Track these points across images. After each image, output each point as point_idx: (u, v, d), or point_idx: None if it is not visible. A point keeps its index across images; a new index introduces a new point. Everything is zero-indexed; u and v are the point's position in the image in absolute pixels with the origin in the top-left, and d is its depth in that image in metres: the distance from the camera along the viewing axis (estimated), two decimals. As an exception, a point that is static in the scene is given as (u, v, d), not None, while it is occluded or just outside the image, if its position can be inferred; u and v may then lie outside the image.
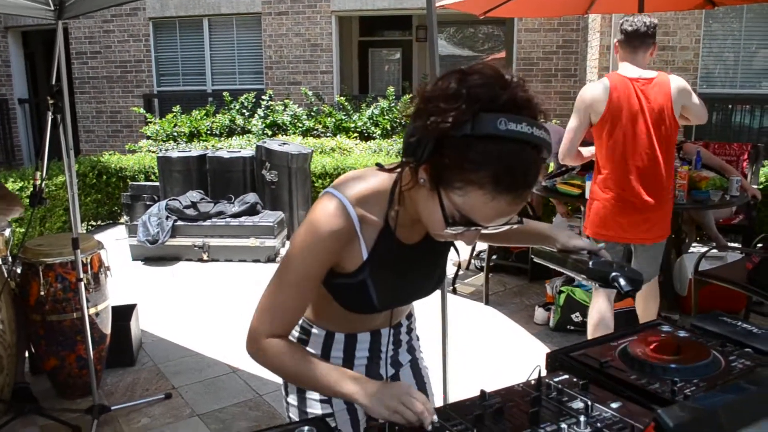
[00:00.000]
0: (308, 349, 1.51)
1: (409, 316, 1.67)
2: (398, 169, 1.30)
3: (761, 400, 0.79)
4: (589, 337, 3.36)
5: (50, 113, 2.81)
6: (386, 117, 8.66)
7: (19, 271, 3.32)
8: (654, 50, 3.25)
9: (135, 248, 6.06)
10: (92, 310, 3.31)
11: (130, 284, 5.28)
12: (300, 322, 1.52)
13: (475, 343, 4.07)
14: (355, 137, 8.58)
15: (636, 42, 3.16)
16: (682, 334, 1.71)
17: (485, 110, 1.05)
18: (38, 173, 3.00)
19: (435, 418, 1.19)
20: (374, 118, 8.69)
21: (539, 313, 4.40)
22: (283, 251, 6.11)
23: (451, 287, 5.14)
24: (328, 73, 9.76)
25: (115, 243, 6.53)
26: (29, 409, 3.19)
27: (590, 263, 1.48)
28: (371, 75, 12.26)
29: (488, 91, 1.07)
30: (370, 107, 8.88)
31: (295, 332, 1.54)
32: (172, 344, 4.15)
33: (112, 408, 3.24)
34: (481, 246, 5.25)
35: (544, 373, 1.53)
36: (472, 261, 5.68)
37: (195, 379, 3.67)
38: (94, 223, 7.39)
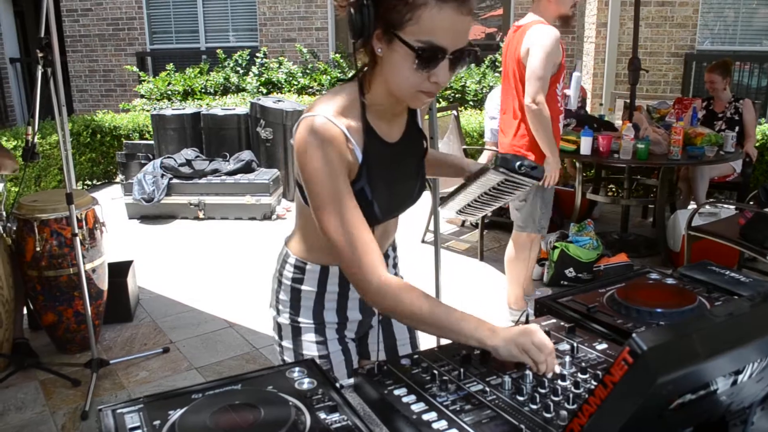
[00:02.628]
0: (304, 287, 1.54)
1: (394, 248, 1.72)
2: (359, 74, 1.37)
3: (737, 329, 0.81)
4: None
5: (40, 67, 2.78)
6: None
7: (14, 228, 3.33)
8: None
9: (131, 207, 6.05)
10: (88, 266, 3.33)
11: (127, 242, 5.30)
12: (293, 261, 1.55)
13: (469, 297, 4.12)
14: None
15: None
16: (669, 281, 1.73)
17: None
18: (30, 128, 2.98)
19: (557, 369, 1.21)
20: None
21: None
22: (278, 209, 6.11)
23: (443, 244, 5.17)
24: (323, 30, 9.62)
25: (111, 202, 6.53)
26: (29, 363, 3.24)
27: (496, 157, 1.58)
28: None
29: None
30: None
31: (289, 273, 1.56)
32: (170, 300, 4.18)
33: (111, 362, 3.29)
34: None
35: (532, 318, 1.56)
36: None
37: (192, 333, 3.71)
38: (89, 183, 7.37)
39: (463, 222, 5.69)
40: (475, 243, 5.07)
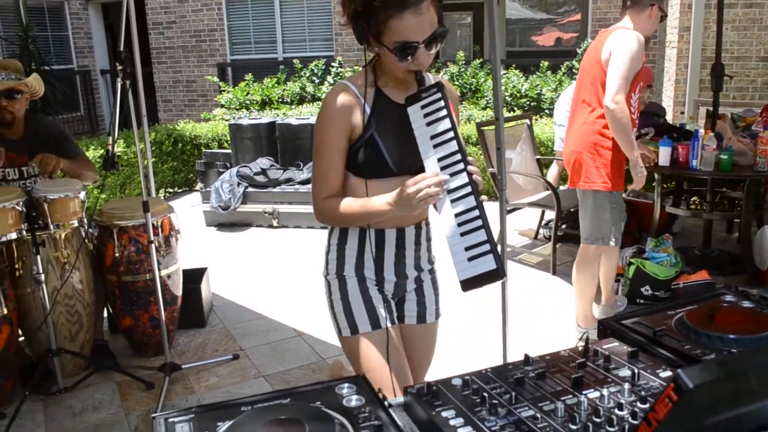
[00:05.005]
0: (347, 247, 1.87)
1: (427, 223, 1.96)
2: (372, 62, 1.77)
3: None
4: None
5: (119, 80, 2.90)
6: (456, 82, 8.53)
7: (96, 234, 3.49)
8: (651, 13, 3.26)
9: (208, 214, 6.25)
10: (164, 272, 3.45)
11: (203, 249, 5.47)
12: (337, 228, 1.89)
13: (538, 312, 4.02)
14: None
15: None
16: (746, 304, 1.62)
17: None
18: (110, 138, 3.12)
19: (441, 176, 1.59)
20: (443, 85, 8.57)
21: (607, 284, 4.28)
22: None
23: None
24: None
25: (190, 209, 6.77)
26: (107, 364, 3.39)
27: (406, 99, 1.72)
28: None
29: None
30: (439, 72, 8.76)
31: (335, 236, 1.89)
32: (242, 307, 4.28)
33: (183, 366, 3.39)
34: (550, 215, 5.13)
35: (594, 339, 1.49)
36: (541, 230, 5.57)
37: (262, 341, 3.79)
38: (171, 190, 7.66)
39: (536, 234, 5.56)
40: (547, 256, 4.94)
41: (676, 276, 4.01)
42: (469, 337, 3.71)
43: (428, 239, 1.99)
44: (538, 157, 5.41)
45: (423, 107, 1.65)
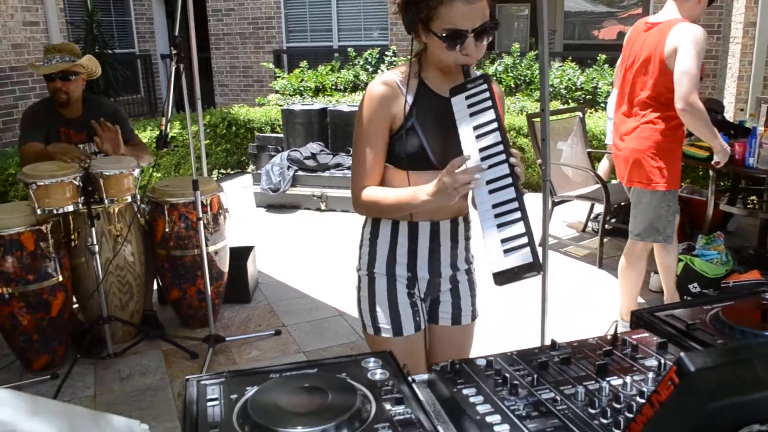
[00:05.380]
0: (379, 241, 1.85)
1: (466, 220, 1.89)
2: (419, 55, 1.74)
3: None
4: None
5: (173, 63, 2.99)
6: (510, 74, 8.43)
7: (148, 209, 3.62)
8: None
9: (258, 195, 6.38)
10: (211, 248, 3.55)
11: (252, 229, 5.60)
12: (371, 219, 1.87)
13: (582, 305, 3.97)
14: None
15: None
16: (787, 302, 1.59)
17: None
18: (164, 119, 3.22)
19: (477, 163, 1.56)
20: (498, 76, 8.49)
21: (654, 280, 4.20)
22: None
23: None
24: (453, 29, 9.60)
25: (242, 190, 6.92)
26: (155, 334, 3.52)
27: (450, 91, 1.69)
28: (498, 31, 11.94)
29: None
30: (494, 64, 8.68)
31: (368, 230, 1.88)
32: (286, 286, 4.37)
33: (227, 339, 3.50)
34: (599, 208, 5.04)
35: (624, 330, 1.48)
36: (589, 223, 5.49)
37: (304, 319, 3.86)
38: (224, 171, 7.84)
39: (584, 227, 5.48)
40: (594, 250, 4.87)
41: (727, 275, 3.90)
42: (507, 330, 3.71)
43: (467, 237, 1.91)
44: (589, 150, 5.32)
45: (467, 98, 1.61)
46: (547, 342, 2.73)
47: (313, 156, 6.43)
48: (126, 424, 1.26)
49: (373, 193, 1.73)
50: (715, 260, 3.90)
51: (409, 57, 1.74)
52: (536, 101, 7.90)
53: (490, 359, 1.30)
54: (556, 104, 7.55)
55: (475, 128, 1.59)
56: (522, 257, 1.51)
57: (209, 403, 1.17)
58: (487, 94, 1.60)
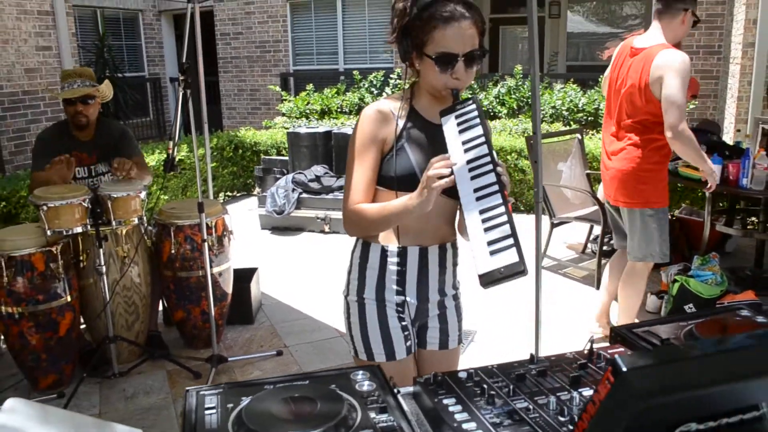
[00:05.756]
0: (369, 265, 1.89)
1: (454, 246, 1.94)
2: (412, 85, 1.86)
3: (747, 362, 0.82)
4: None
5: (181, 89, 3.12)
6: (513, 96, 8.56)
7: (154, 231, 3.73)
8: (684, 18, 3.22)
9: (263, 218, 6.49)
10: (215, 270, 3.64)
11: (256, 250, 5.69)
12: (360, 243, 1.92)
13: (579, 325, 4.03)
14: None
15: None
16: (761, 320, 1.65)
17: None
18: (171, 143, 3.34)
19: (451, 161, 1.63)
20: (501, 97, 8.63)
21: (651, 301, 4.26)
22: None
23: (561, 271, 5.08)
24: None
25: (247, 213, 7.03)
26: (159, 354, 3.60)
27: (440, 112, 1.78)
28: (501, 53, 12.10)
29: None
30: (497, 86, 8.81)
31: (357, 254, 1.92)
32: (289, 307, 4.45)
33: (230, 359, 3.58)
34: (598, 230, 5.11)
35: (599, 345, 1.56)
36: (589, 245, 5.56)
37: (305, 339, 3.94)
38: (230, 194, 7.96)
39: (584, 249, 5.55)
40: (593, 271, 4.93)
41: (722, 295, 3.96)
42: (502, 348, 3.77)
43: (454, 264, 1.97)
44: (588, 171, 5.40)
45: (457, 117, 1.71)
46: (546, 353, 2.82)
47: (317, 178, 6.55)
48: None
49: (361, 207, 1.79)
50: (710, 281, 3.96)
51: (403, 85, 1.87)
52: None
53: (470, 372, 1.38)
54: (557, 126, 7.65)
55: (464, 143, 1.67)
56: (507, 258, 1.53)
57: (207, 412, 1.25)
58: (475, 113, 1.69)
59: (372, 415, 1.22)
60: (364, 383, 1.35)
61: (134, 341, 3.52)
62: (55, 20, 7.63)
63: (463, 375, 1.38)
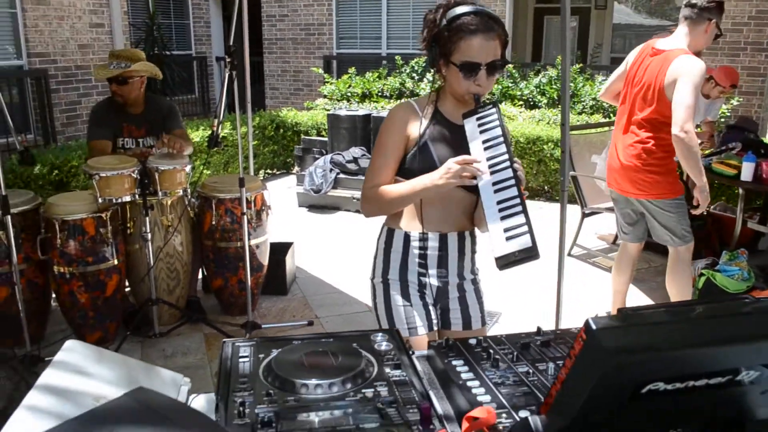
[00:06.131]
0: (393, 250, 2.05)
1: (472, 235, 2.09)
2: (438, 89, 2.04)
3: (717, 330, 0.92)
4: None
5: (227, 70, 3.28)
6: (554, 86, 8.56)
7: (197, 203, 3.93)
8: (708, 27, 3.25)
9: (301, 196, 6.68)
10: (253, 242, 3.83)
11: (294, 226, 5.88)
12: (385, 229, 2.07)
13: (601, 312, 4.11)
14: (521, 105, 8.59)
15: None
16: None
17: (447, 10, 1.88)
18: (216, 121, 3.52)
19: (477, 164, 1.80)
20: (541, 87, 8.63)
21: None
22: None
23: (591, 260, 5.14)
24: (500, 41, 9.76)
25: (286, 190, 7.23)
26: (197, 318, 3.81)
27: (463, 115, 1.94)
28: (545, 43, 12.04)
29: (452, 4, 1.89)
30: (538, 75, 8.81)
31: (382, 239, 2.07)
32: (321, 281, 4.63)
33: (263, 326, 3.77)
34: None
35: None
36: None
37: (336, 312, 4.11)
38: (270, 171, 8.17)
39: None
40: (622, 262, 4.98)
41: (747, 291, 3.99)
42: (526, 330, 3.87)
43: (473, 251, 2.11)
44: (623, 164, 5.42)
45: (478, 119, 1.87)
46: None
47: (355, 160, 6.69)
48: (172, 377, 1.51)
49: (381, 188, 1.95)
50: (736, 276, 3.99)
51: (432, 88, 2.03)
52: (579, 114, 8.00)
53: (479, 339, 1.51)
54: (597, 117, 7.65)
55: (484, 142, 1.84)
56: (522, 243, 1.70)
57: (241, 360, 1.41)
58: (495, 116, 1.86)
59: (387, 370, 1.36)
60: (382, 343, 1.49)
61: (174, 305, 3.74)
62: (109, -2, 7.91)
63: (473, 341, 1.51)
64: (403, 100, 2.05)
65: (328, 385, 1.27)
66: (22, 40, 7.31)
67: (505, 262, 1.72)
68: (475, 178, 1.79)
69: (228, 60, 3.27)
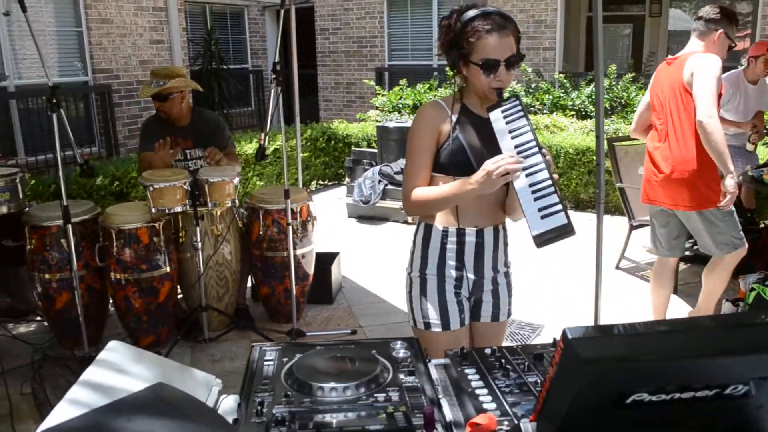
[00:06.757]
0: (431, 245, 2.13)
1: (504, 228, 2.20)
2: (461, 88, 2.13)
3: (699, 344, 0.97)
4: None
5: (273, 86, 3.43)
6: (606, 96, 8.46)
7: (245, 214, 4.09)
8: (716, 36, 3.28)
9: (350, 207, 6.81)
10: (298, 252, 3.95)
11: (342, 237, 6.01)
12: (423, 225, 2.16)
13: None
14: (572, 115, 8.52)
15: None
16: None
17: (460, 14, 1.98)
18: (263, 134, 3.66)
19: (517, 158, 1.87)
20: (593, 97, 8.54)
21: (726, 308, 4.20)
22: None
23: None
24: (551, 50, 9.73)
25: (336, 201, 7.37)
26: (245, 324, 3.96)
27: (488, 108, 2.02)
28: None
29: (464, 9, 1.99)
30: (590, 85, 8.73)
31: (420, 234, 2.17)
32: (367, 291, 4.73)
33: (308, 333, 3.89)
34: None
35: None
36: (671, 249, 5.49)
37: (379, 321, 4.19)
38: (321, 182, 8.34)
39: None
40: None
41: (800, 307, 3.87)
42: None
43: (506, 244, 2.21)
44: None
45: (503, 111, 1.97)
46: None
47: (403, 171, 6.77)
48: (204, 377, 1.62)
49: (422, 190, 2.04)
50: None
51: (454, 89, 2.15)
52: (630, 123, 7.88)
53: (494, 349, 1.57)
54: (649, 128, 7.51)
55: (510, 131, 1.94)
56: (557, 220, 1.80)
57: (266, 363, 1.51)
58: (519, 108, 1.96)
59: (401, 376, 1.43)
60: (400, 351, 1.56)
61: (223, 311, 3.90)
62: (168, 16, 8.26)
63: (488, 351, 1.57)
64: (422, 107, 2.14)
65: (343, 389, 1.36)
66: (87, 57, 7.71)
67: (543, 239, 1.82)
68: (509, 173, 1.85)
69: (273, 77, 3.41)
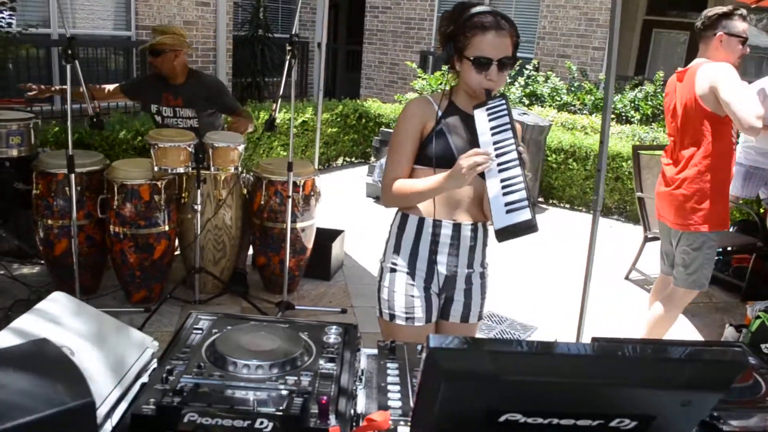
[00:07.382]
0: (405, 235, 2.11)
1: (485, 227, 2.16)
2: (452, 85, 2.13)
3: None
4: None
5: (288, 58, 3.43)
6: (649, 102, 8.23)
7: (250, 181, 4.11)
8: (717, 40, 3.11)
9: (370, 186, 6.79)
10: (298, 225, 3.96)
11: (355, 215, 6.00)
12: (400, 214, 2.14)
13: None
14: (612, 119, 8.31)
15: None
16: (752, 360, 1.65)
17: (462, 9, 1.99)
18: (275, 105, 3.67)
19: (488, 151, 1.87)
20: (636, 102, 8.32)
21: (728, 332, 4.08)
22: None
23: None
24: (600, 50, 9.48)
25: (359, 179, 7.36)
26: (237, 290, 4.00)
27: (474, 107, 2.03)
28: (651, 56, 11.52)
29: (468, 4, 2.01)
30: (635, 90, 8.50)
31: (396, 223, 2.15)
32: (366, 271, 4.71)
33: (297, 307, 3.91)
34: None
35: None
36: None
37: (371, 304, 4.08)
38: (348, 159, 8.33)
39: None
40: (682, 293, 4.76)
41: (804, 341, 3.73)
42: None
43: (484, 244, 2.16)
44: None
45: (488, 110, 1.97)
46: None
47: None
48: (141, 338, 1.63)
49: (402, 182, 2.04)
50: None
51: (448, 83, 2.12)
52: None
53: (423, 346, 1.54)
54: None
55: (492, 128, 1.94)
56: (521, 216, 1.78)
57: (194, 332, 1.51)
58: (504, 107, 1.95)
59: (321, 362, 1.42)
60: (331, 336, 1.54)
61: (216, 275, 3.93)
62: (217, -22, 8.30)
63: (419, 347, 1.54)
64: (410, 101, 2.13)
65: (255, 367, 1.35)
66: (132, 13, 7.81)
67: (505, 234, 1.80)
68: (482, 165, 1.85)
69: (289, 49, 3.41)
